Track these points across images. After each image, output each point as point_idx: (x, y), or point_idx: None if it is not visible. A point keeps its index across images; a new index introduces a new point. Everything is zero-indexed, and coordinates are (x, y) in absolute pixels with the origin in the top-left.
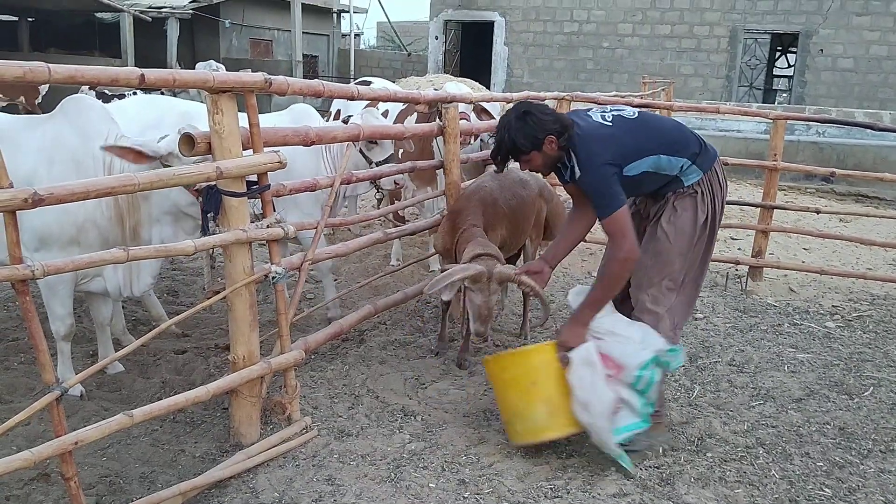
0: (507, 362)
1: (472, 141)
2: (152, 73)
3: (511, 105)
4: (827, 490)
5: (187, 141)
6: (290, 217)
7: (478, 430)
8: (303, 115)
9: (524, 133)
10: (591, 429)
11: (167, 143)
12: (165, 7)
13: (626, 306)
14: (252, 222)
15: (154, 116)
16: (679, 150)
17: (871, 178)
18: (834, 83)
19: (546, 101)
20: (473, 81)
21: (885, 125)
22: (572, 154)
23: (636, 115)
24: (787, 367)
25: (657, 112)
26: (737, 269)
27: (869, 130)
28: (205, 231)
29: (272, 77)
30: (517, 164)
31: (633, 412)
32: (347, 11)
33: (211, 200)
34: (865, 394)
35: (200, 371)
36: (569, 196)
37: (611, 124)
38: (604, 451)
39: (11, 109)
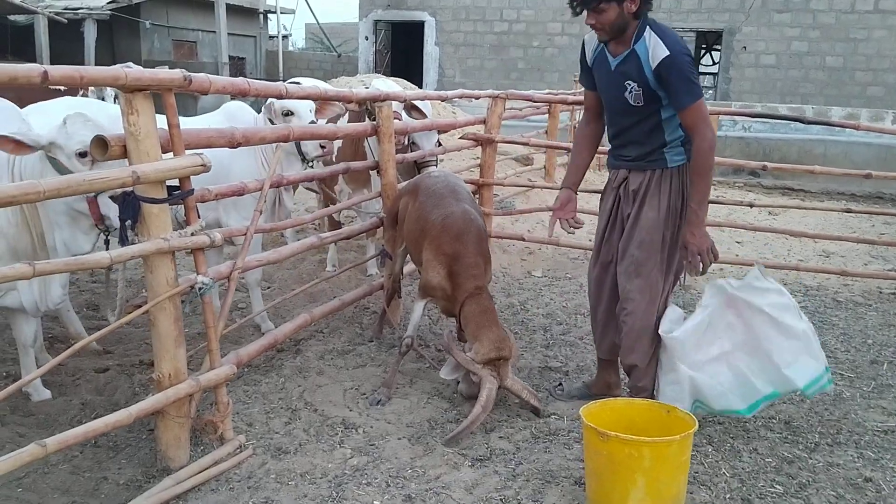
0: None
1: (404, 141)
2: (56, 71)
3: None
4: (778, 487)
5: (100, 144)
6: (232, 221)
7: (422, 441)
8: (236, 115)
9: None
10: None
11: (48, 131)
12: (82, 8)
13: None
14: (176, 230)
15: None
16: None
17: (801, 171)
18: (757, 79)
19: (481, 100)
20: (406, 81)
21: (812, 118)
22: (650, 34)
23: None
24: None
25: None
26: None
27: (793, 124)
28: (123, 241)
29: (192, 74)
30: (591, 11)
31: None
32: (274, 12)
33: (128, 208)
34: None
35: (124, 390)
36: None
37: None
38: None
39: None
